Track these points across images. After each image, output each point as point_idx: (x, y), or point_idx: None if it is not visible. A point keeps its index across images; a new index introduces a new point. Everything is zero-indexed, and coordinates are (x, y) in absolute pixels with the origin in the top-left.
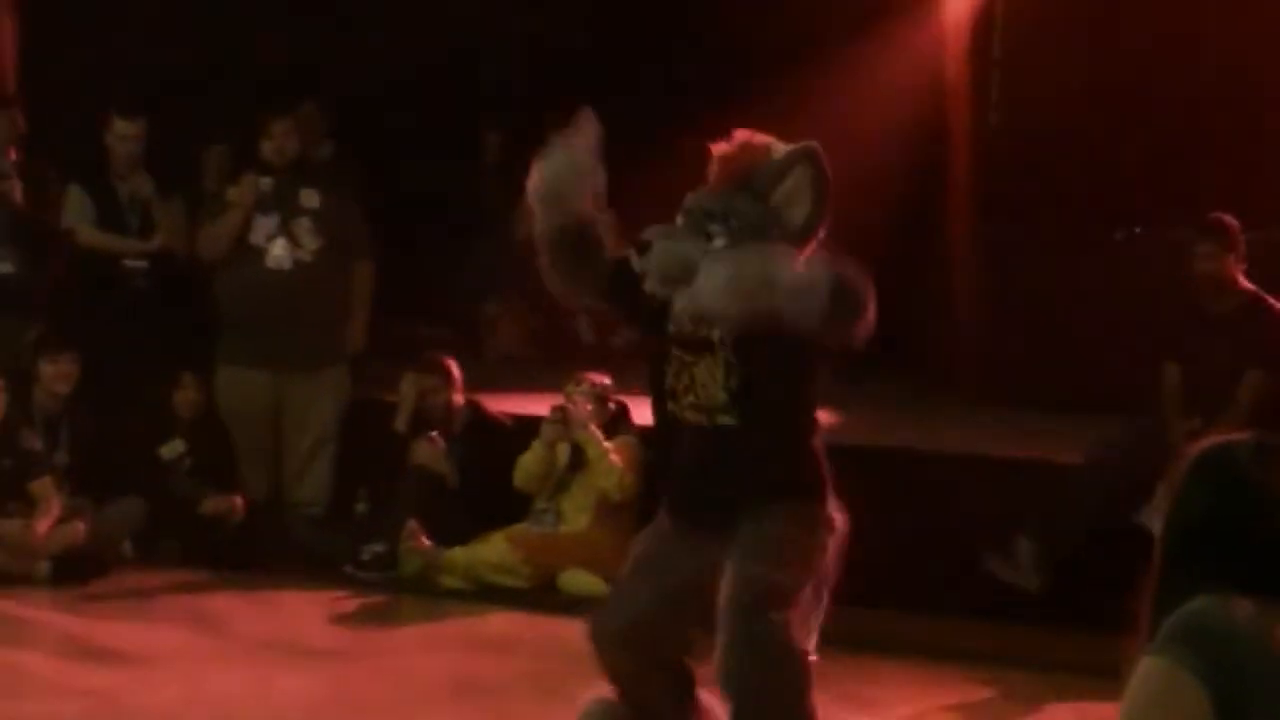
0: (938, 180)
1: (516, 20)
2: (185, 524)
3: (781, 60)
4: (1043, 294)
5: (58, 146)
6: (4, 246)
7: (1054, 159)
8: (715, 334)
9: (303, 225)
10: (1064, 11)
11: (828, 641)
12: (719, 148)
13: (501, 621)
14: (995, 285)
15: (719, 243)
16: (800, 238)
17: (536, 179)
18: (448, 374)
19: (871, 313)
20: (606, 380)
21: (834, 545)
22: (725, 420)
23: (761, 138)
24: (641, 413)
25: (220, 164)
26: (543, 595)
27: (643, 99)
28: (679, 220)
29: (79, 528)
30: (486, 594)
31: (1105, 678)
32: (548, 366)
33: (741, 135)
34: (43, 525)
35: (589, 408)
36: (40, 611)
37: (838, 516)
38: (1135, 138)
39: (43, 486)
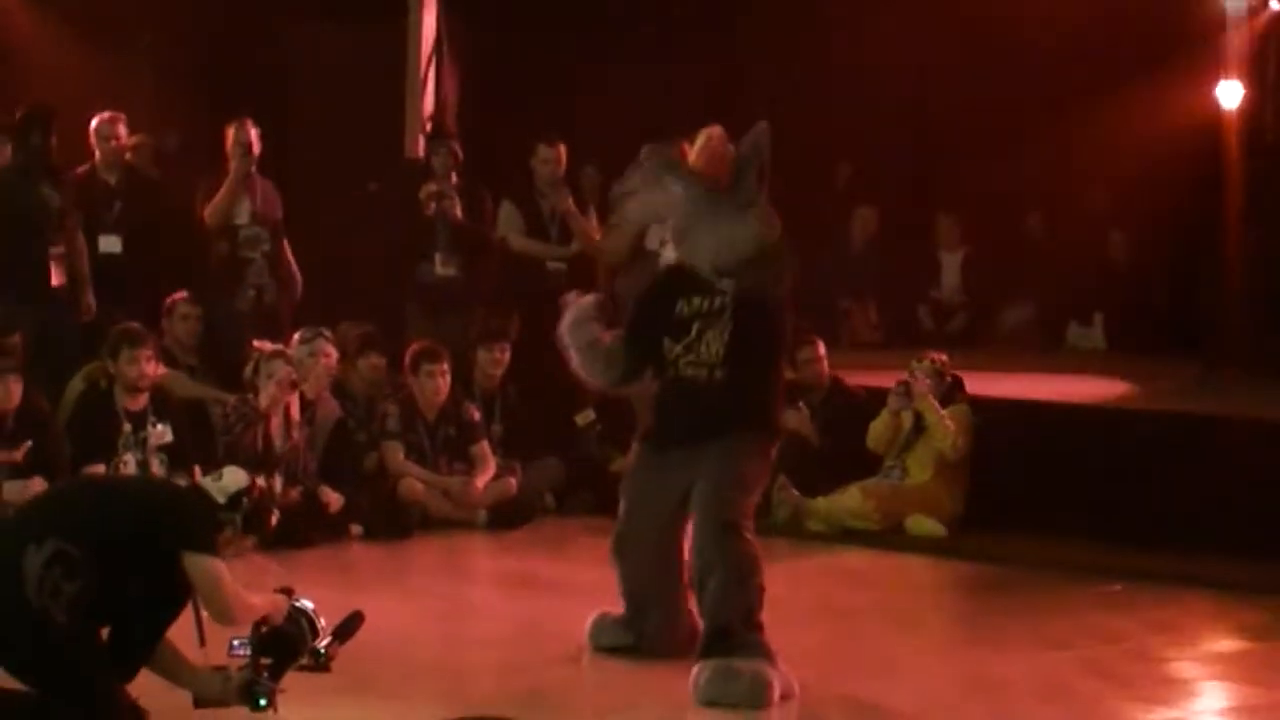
0: (1216, 192)
1: None
2: (596, 479)
3: (1087, 93)
4: None
5: (490, 169)
6: (448, 254)
7: None
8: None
9: None
10: None
11: (1136, 577)
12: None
13: (857, 559)
14: (1262, 281)
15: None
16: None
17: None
18: (815, 352)
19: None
20: (944, 358)
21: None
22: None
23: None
24: (974, 385)
25: (592, 182)
26: (891, 537)
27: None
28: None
29: (510, 483)
30: (844, 536)
31: None
32: (893, 349)
33: (710, 132)
34: (481, 481)
35: (928, 381)
36: (479, 552)
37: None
38: None
39: (481, 450)
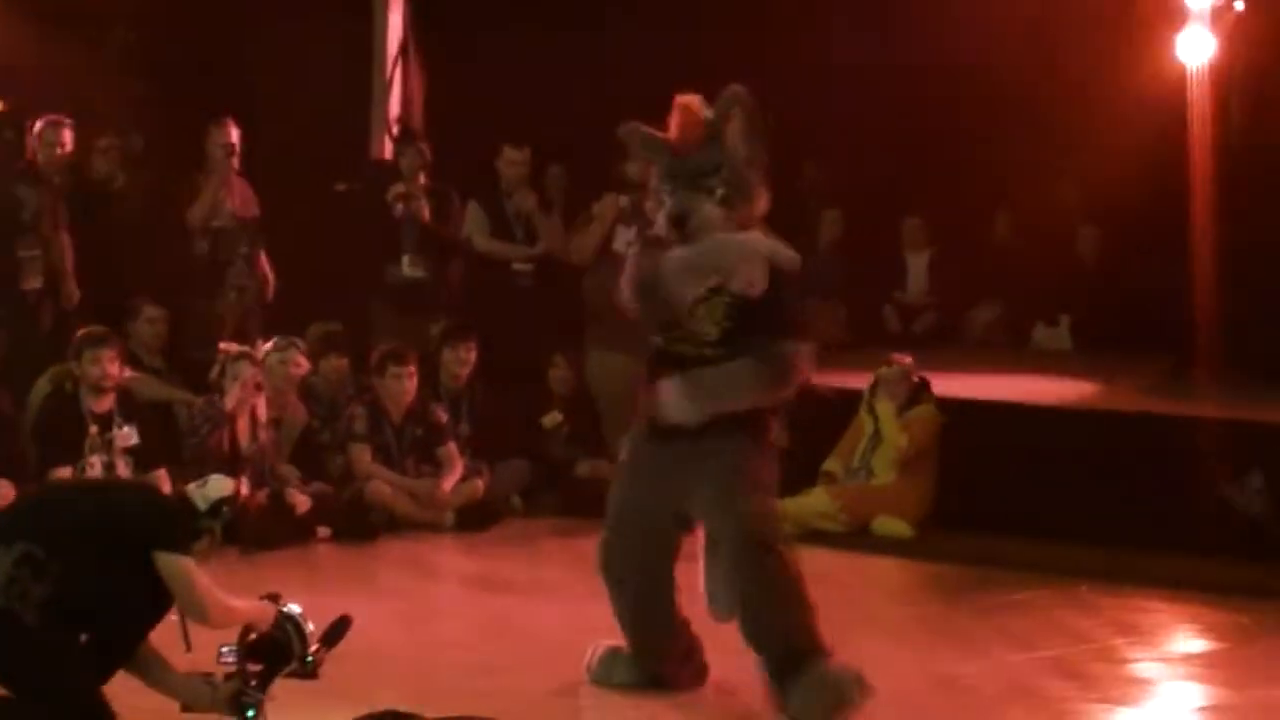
0: (1183, 192)
1: None
2: (563, 482)
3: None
4: (1270, 284)
5: (457, 171)
6: (415, 255)
7: None
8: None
9: None
10: None
11: (1102, 577)
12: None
13: (824, 559)
14: (1229, 278)
15: (720, 192)
16: (752, 166)
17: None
18: None
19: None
20: (908, 360)
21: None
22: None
23: (691, 98)
24: (940, 385)
25: (558, 182)
26: (857, 538)
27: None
28: (663, 187)
29: (477, 485)
30: (811, 537)
31: None
32: (859, 349)
33: (681, 101)
34: (448, 483)
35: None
36: (447, 553)
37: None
38: None
39: (449, 451)
